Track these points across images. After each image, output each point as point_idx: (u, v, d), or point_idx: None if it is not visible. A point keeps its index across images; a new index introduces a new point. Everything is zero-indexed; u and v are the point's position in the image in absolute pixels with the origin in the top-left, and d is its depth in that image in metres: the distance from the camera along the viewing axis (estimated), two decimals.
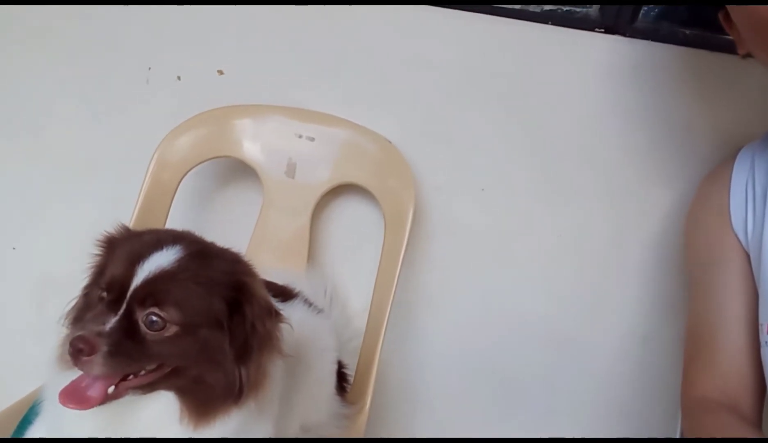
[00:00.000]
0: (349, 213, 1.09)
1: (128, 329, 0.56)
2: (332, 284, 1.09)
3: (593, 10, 1.05)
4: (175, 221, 1.06)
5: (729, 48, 0.90)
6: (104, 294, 0.58)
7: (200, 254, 0.61)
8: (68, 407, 0.54)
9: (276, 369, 0.65)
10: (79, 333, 0.53)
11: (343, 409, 0.88)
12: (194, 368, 0.58)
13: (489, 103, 1.03)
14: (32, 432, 0.70)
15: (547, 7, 1.08)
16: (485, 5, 1.08)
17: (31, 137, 1.16)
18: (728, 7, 0.70)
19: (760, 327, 0.73)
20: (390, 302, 0.95)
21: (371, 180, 1.03)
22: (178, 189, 1.03)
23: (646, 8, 1.06)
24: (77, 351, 0.52)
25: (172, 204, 1.03)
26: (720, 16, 0.75)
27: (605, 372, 1.03)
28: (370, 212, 1.06)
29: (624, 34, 1.02)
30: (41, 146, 1.16)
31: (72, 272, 1.15)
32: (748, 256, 0.77)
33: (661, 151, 0.97)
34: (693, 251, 0.86)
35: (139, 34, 1.10)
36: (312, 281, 1.04)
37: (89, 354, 0.53)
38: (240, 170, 1.09)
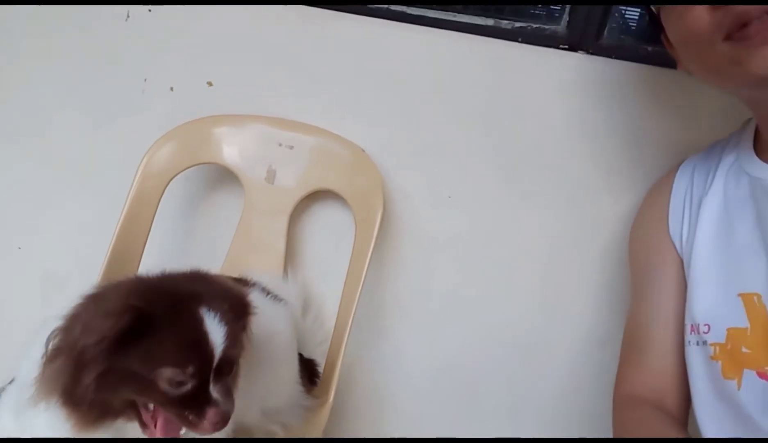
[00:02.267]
0: (324, 217, 1.16)
1: (225, 388, 0.67)
2: (307, 284, 1.14)
3: (561, 27, 1.11)
4: (163, 224, 1.14)
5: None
6: (185, 382, 0.63)
7: (230, 307, 0.68)
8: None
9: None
10: (221, 411, 0.64)
11: (305, 401, 0.93)
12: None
13: (457, 115, 1.09)
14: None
15: (517, 24, 1.14)
16: (458, 22, 1.16)
17: (36, 142, 1.25)
18: (664, 26, 0.74)
19: (686, 328, 0.76)
20: (355, 303, 1.00)
21: (344, 186, 1.09)
22: (166, 193, 1.10)
23: (612, 25, 1.12)
24: (224, 422, 0.64)
25: (160, 208, 1.10)
26: (662, 38, 0.80)
27: (566, 374, 1.07)
28: (343, 216, 1.12)
29: (588, 51, 1.07)
30: (45, 151, 1.24)
31: (71, 271, 1.25)
32: (681, 262, 0.81)
33: (618, 162, 1.01)
34: (634, 256, 0.90)
35: (136, 47, 1.19)
36: (289, 283, 1.11)
37: (225, 423, 0.64)
38: (223, 176, 1.16)
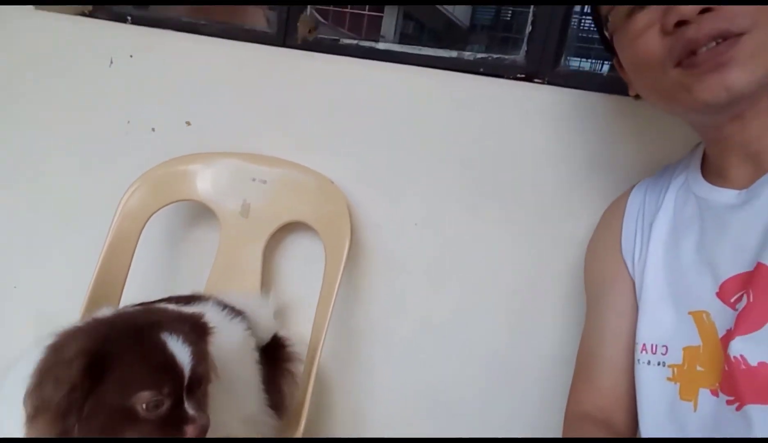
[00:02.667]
0: (297, 247, 1.20)
1: (199, 400, 0.73)
2: (281, 311, 1.18)
3: (520, 56, 1.15)
4: (145, 258, 1.19)
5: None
6: (162, 401, 0.68)
7: (190, 328, 0.75)
8: None
9: None
10: (200, 420, 0.70)
11: (268, 417, 0.97)
12: None
13: (422, 146, 1.13)
14: None
15: (479, 55, 1.19)
16: (423, 55, 1.21)
17: (30, 186, 1.32)
18: (617, 51, 0.77)
19: (636, 346, 0.77)
20: (325, 328, 1.04)
21: (314, 216, 1.14)
22: (147, 229, 1.16)
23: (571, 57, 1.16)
24: (203, 430, 0.70)
25: (142, 243, 1.16)
26: (614, 62, 0.83)
27: (535, 393, 1.08)
28: (315, 245, 1.16)
29: (544, 79, 1.11)
30: (37, 194, 1.32)
31: (64, 310, 1.30)
32: (633, 283, 0.83)
33: (576, 186, 1.04)
34: (588, 276, 0.91)
35: (119, 91, 1.26)
36: (262, 311, 1.14)
37: (206, 430, 0.70)
38: (200, 211, 1.21)
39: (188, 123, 1.24)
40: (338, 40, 1.27)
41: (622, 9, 0.70)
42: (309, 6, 1.28)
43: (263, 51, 1.24)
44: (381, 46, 1.26)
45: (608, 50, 0.80)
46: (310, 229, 1.16)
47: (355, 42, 1.27)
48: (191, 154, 1.18)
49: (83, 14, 1.39)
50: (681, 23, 0.64)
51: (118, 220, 1.12)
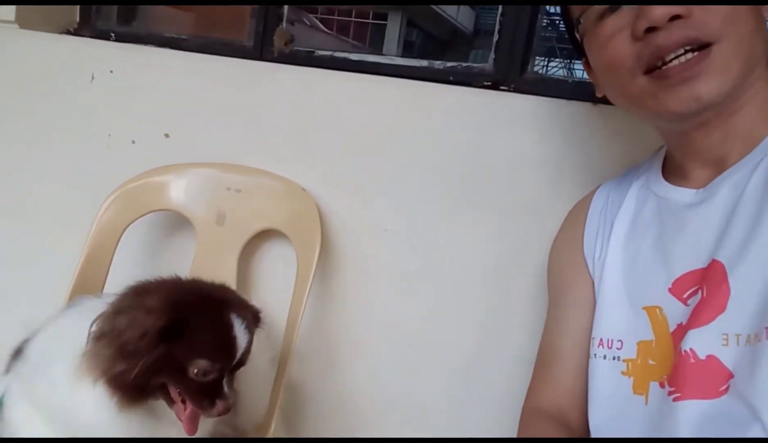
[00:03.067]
0: (271, 254, 1.22)
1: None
2: None
3: (488, 65, 1.17)
4: (124, 267, 1.22)
5: (595, 99, 1.01)
6: (210, 372, 0.78)
7: (252, 317, 0.85)
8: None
9: None
10: (227, 403, 0.79)
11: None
12: None
13: (392, 153, 1.15)
14: None
15: (449, 64, 1.21)
16: (395, 65, 1.23)
17: (14, 199, 1.36)
18: (586, 52, 0.78)
19: (592, 341, 0.78)
20: (296, 333, 1.06)
21: (286, 224, 1.16)
22: (125, 240, 1.19)
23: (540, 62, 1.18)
24: (227, 410, 0.79)
25: (121, 252, 1.18)
26: (583, 62, 0.84)
27: (507, 395, 1.08)
28: (288, 252, 1.18)
29: (510, 87, 1.13)
30: (22, 206, 1.35)
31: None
32: (593, 281, 0.84)
33: (543, 191, 1.05)
34: (551, 274, 0.93)
35: (100, 106, 1.30)
36: None
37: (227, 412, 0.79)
38: (177, 221, 1.24)
39: (167, 135, 1.27)
40: (313, 51, 1.30)
41: (594, 12, 0.71)
42: (284, 21, 1.32)
43: (240, 64, 1.27)
44: (354, 57, 1.28)
45: (577, 51, 0.82)
46: (283, 236, 1.18)
47: (329, 53, 1.30)
48: (167, 165, 1.21)
49: (68, 32, 1.43)
50: (651, 29, 0.65)
51: (95, 232, 1.15)
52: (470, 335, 1.12)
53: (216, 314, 0.79)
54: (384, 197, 1.15)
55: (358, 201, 1.17)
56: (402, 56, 1.26)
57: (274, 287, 1.22)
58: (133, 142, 1.29)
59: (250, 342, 0.81)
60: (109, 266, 1.15)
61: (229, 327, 0.79)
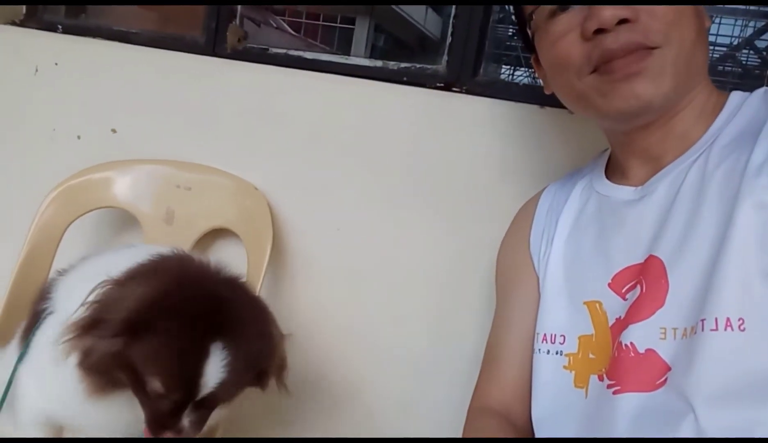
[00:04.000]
0: (222, 253, 1.20)
1: (202, 416, 0.69)
2: None
3: (441, 66, 1.18)
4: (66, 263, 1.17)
5: (543, 102, 1.02)
6: (166, 397, 0.67)
7: (245, 354, 0.69)
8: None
9: None
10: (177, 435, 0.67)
11: None
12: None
13: (345, 152, 1.14)
14: None
15: (402, 65, 1.21)
16: (349, 65, 1.23)
17: None
18: (537, 50, 0.79)
19: (536, 336, 0.80)
20: None
21: (238, 223, 1.14)
22: (69, 239, 1.15)
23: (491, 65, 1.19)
24: None
25: (65, 250, 1.14)
26: (532, 59, 0.85)
27: (456, 393, 1.08)
28: (239, 252, 1.16)
29: (462, 89, 1.14)
30: None
31: None
32: (538, 279, 0.85)
33: (493, 191, 1.07)
34: (499, 274, 0.94)
35: (44, 99, 1.25)
36: None
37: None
38: (124, 220, 1.21)
39: (114, 131, 1.24)
40: (267, 49, 1.29)
41: (545, 9, 0.73)
42: (239, 18, 1.30)
43: (192, 60, 1.25)
44: (309, 55, 1.27)
45: (528, 48, 0.84)
46: (234, 235, 1.16)
47: (283, 51, 1.28)
48: (112, 162, 1.18)
49: (13, 23, 1.38)
50: (599, 31, 0.67)
51: (35, 230, 1.11)
52: (422, 335, 1.12)
53: (197, 334, 0.66)
54: (336, 196, 1.15)
55: (310, 200, 1.16)
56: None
57: None
58: (79, 137, 1.25)
59: (229, 384, 0.68)
60: (51, 265, 1.11)
61: (200, 356, 0.65)
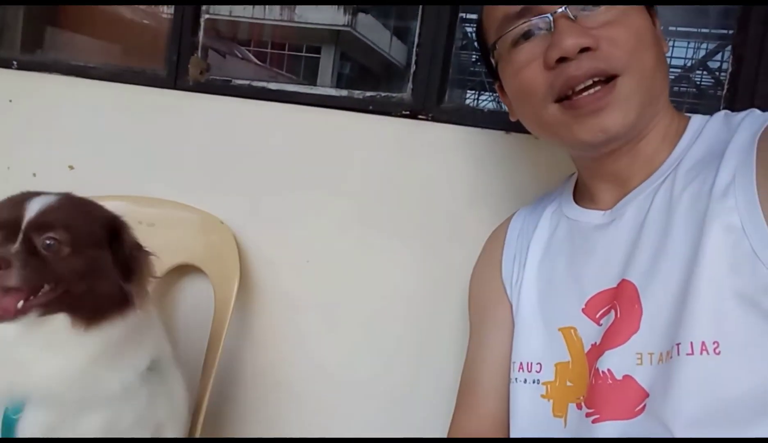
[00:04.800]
0: (187, 290, 1.16)
1: (30, 251, 0.70)
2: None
3: (407, 94, 1.18)
4: None
5: (508, 127, 1.03)
6: None
7: (76, 198, 0.77)
8: None
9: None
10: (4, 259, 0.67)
11: None
12: (84, 283, 0.73)
13: (311, 183, 1.13)
14: None
15: (368, 94, 1.21)
16: (314, 95, 1.22)
17: None
18: (501, 78, 0.80)
19: (512, 365, 0.79)
20: (213, 374, 1.01)
21: (203, 257, 1.11)
22: None
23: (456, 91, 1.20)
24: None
25: None
26: (496, 86, 0.86)
27: (438, 425, 1.06)
28: (205, 288, 1.13)
29: (428, 116, 1.14)
30: None
31: None
32: (511, 306, 0.84)
33: (463, 217, 1.06)
34: (472, 301, 0.93)
35: None
36: None
37: (6, 268, 0.66)
38: None
39: (71, 167, 1.20)
40: (230, 80, 1.27)
41: (508, 38, 0.74)
42: (201, 49, 1.29)
43: (153, 93, 1.23)
44: (273, 86, 1.26)
45: (491, 75, 0.84)
46: (200, 271, 1.13)
47: (247, 82, 1.27)
48: None
49: None
50: (562, 59, 0.68)
51: None
52: (397, 366, 1.10)
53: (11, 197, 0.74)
54: (304, 227, 1.13)
55: (277, 233, 1.14)
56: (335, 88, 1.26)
57: (190, 325, 1.16)
58: (34, 175, 1.21)
59: (49, 213, 0.73)
60: None
61: (21, 198, 0.73)
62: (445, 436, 1.04)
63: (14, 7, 1.44)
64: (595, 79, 0.68)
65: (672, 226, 0.66)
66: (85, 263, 0.73)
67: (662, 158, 0.72)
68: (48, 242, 0.71)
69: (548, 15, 0.69)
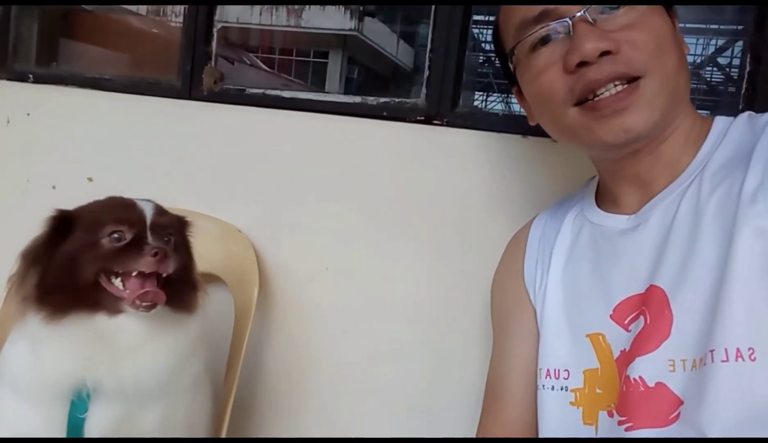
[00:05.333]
0: (207, 301, 1.16)
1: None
2: None
3: (420, 100, 1.18)
4: None
5: (525, 131, 1.03)
6: (123, 233, 0.79)
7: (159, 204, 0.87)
8: (145, 304, 0.76)
9: None
10: (158, 246, 0.78)
11: None
12: (184, 274, 0.84)
13: (329, 190, 1.13)
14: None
15: (381, 100, 1.21)
16: (328, 102, 1.23)
17: None
18: (519, 83, 0.79)
19: (539, 372, 0.78)
20: (235, 383, 1.01)
21: (222, 266, 1.12)
22: None
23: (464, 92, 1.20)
24: (163, 255, 0.77)
25: None
26: (514, 91, 0.85)
27: (459, 432, 1.06)
28: (224, 298, 1.13)
29: (443, 121, 1.14)
30: None
31: None
32: (535, 312, 0.84)
33: (481, 222, 1.06)
34: (494, 307, 0.92)
35: (17, 151, 1.22)
36: None
37: (167, 258, 0.77)
38: None
39: (90, 179, 1.21)
40: (244, 89, 1.28)
41: (526, 43, 0.73)
42: (214, 58, 1.29)
43: (168, 104, 1.24)
44: (287, 94, 1.27)
45: (509, 80, 0.84)
46: (219, 280, 1.14)
47: (261, 91, 1.28)
48: None
49: None
50: (582, 64, 0.67)
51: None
52: (415, 372, 1.09)
53: (107, 200, 0.84)
54: (322, 235, 1.13)
55: (296, 240, 1.14)
56: (344, 94, 1.26)
57: (210, 334, 1.16)
58: (54, 187, 1.22)
59: (161, 211, 0.84)
60: None
61: (124, 200, 0.83)
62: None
63: (29, 20, 1.46)
64: (617, 82, 0.67)
65: (700, 231, 0.65)
66: (184, 256, 0.85)
67: (686, 161, 0.71)
68: (166, 238, 0.81)
69: (567, 19, 0.69)
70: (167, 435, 0.84)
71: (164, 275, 0.78)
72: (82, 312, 0.77)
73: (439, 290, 1.08)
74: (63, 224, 0.81)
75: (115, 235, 0.78)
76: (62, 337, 0.76)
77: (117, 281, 0.78)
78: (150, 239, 0.79)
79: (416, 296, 1.09)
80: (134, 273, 0.77)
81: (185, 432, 0.88)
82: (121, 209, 0.81)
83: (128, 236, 0.78)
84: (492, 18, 0.86)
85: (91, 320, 0.77)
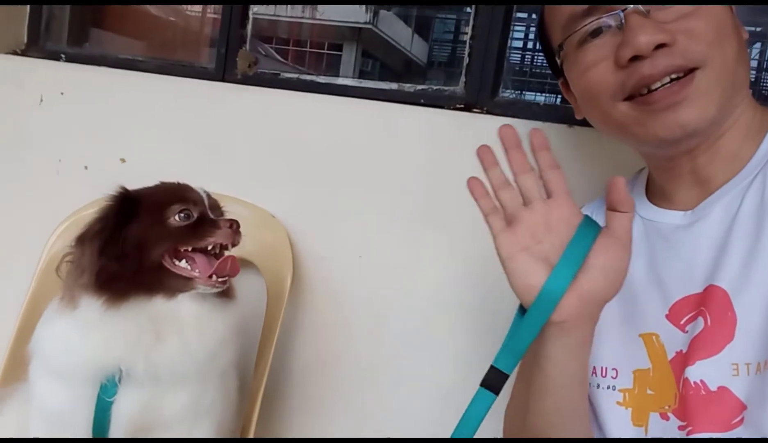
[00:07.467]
0: (240, 287, 1.15)
1: None
2: None
3: (459, 88, 1.16)
4: None
5: (568, 121, 1.00)
6: (191, 211, 0.81)
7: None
8: (221, 279, 0.80)
9: None
10: (231, 218, 0.83)
11: None
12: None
13: (363, 176, 1.12)
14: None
15: (419, 87, 1.19)
16: (363, 88, 1.21)
17: None
18: (566, 77, 0.77)
19: (588, 369, 0.76)
20: (266, 371, 1.00)
21: (255, 252, 1.10)
22: None
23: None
24: (237, 226, 0.82)
25: None
26: (560, 83, 0.82)
27: (490, 423, 1.05)
28: (257, 284, 1.12)
29: (483, 109, 1.12)
30: None
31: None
32: None
33: None
34: None
35: (49, 130, 1.21)
36: None
37: (239, 229, 0.83)
38: None
39: (123, 160, 1.20)
40: (279, 74, 1.27)
41: (575, 38, 0.70)
42: (248, 43, 1.28)
43: (202, 86, 1.22)
44: (322, 79, 1.25)
45: (554, 72, 0.81)
46: (252, 266, 1.12)
47: (296, 76, 1.26)
48: None
49: (15, 52, 1.35)
50: (635, 58, 0.64)
51: (45, 263, 1.06)
52: (446, 363, 1.08)
53: (165, 184, 0.85)
54: (356, 221, 1.11)
55: (329, 227, 1.12)
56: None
57: (243, 320, 1.15)
58: (86, 168, 1.21)
59: (210, 196, 0.87)
60: None
61: (181, 184, 0.85)
62: (497, 432, 1.03)
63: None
64: (672, 76, 0.64)
65: (765, 229, 0.63)
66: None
67: (748, 155, 0.68)
68: (224, 213, 0.86)
69: (619, 11, 0.65)
70: (191, 422, 0.84)
71: (231, 247, 0.82)
72: (141, 296, 0.76)
73: (474, 281, 1.07)
74: (127, 205, 0.80)
75: (183, 214, 0.80)
76: (117, 322, 0.75)
77: (182, 264, 0.79)
78: (212, 217, 0.82)
79: (450, 286, 1.07)
80: (209, 247, 0.80)
81: (209, 421, 0.87)
82: (182, 190, 0.83)
83: (195, 215, 0.81)
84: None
85: (148, 304, 0.77)
